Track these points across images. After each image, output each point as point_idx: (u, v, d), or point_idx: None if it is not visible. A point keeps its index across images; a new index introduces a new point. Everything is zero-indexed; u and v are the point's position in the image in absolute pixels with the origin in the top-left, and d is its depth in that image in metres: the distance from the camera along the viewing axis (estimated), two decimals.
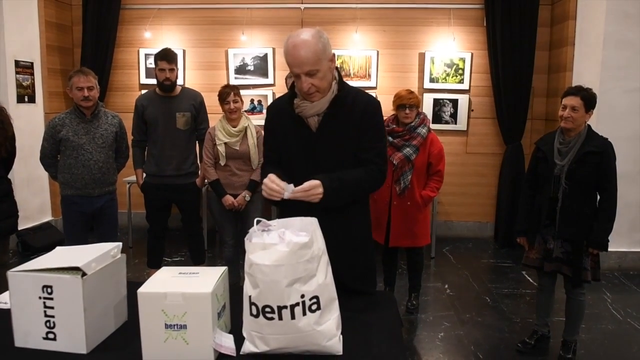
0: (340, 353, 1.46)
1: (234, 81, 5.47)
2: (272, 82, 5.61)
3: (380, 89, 5.47)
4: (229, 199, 3.58)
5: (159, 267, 3.91)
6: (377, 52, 5.44)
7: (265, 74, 5.59)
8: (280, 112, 1.96)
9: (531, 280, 4.36)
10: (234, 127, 3.57)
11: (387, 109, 5.16)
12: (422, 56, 5.42)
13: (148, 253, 4.00)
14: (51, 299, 1.45)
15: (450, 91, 5.43)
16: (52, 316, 1.46)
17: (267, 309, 1.39)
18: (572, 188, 2.80)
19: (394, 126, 3.44)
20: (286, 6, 5.51)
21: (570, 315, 3.02)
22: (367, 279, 2.03)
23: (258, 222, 1.47)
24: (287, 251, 1.37)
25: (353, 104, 1.88)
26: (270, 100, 5.55)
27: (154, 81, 5.49)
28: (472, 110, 5.49)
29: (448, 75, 5.39)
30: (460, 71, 5.39)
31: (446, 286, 4.28)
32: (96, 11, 5.54)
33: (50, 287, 1.44)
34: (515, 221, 3.25)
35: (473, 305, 3.91)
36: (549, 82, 5.41)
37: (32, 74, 5.29)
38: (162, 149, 3.70)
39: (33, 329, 1.49)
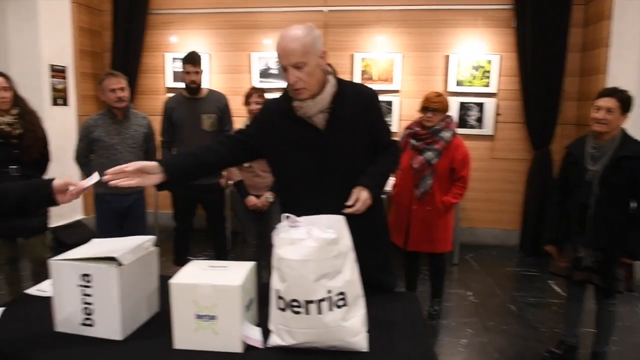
0: (366, 350, 1.48)
1: (258, 85, 5.55)
2: None
3: (404, 93, 5.48)
4: (252, 199, 3.64)
5: (183, 265, 4.01)
6: (402, 54, 5.45)
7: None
8: (278, 115, 1.94)
9: (558, 290, 4.30)
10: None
11: (410, 113, 5.26)
12: (447, 59, 5.41)
13: (174, 251, 4.09)
14: (89, 286, 1.52)
15: (476, 94, 5.40)
16: (90, 303, 1.53)
17: (295, 303, 1.43)
18: (605, 195, 2.69)
19: (417, 129, 3.43)
20: (309, 9, 5.56)
21: (601, 327, 2.95)
22: (384, 276, 2.06)
23: (286, 217, 1.51)
24: (315, 247, 1.41)
25: (355, 96, 1.92)
26: None
27: (179, 84, 5.66)
28: (500, 114, 5.43)
29: (474, 78, 5.36)
30: (487, 74, 5.35)
31: (469, 293, 4.25)
32: (125, 17, 5.69)
33: (89, 275, 1.51)
34: (543, 229, 3.17)
35: (497, 312, 3.87)
36: (580, 85, 5.29)
37: (65, 78, 5.45)
38: (188, 149, 3.77)
39: (72, 315, 1.56)
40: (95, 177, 1.69)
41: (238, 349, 1.47)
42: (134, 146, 3.48)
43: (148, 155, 3.67)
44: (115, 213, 3.55)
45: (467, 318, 3.74)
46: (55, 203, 1.60)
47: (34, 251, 3.32)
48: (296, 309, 1.43)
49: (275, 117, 1.94)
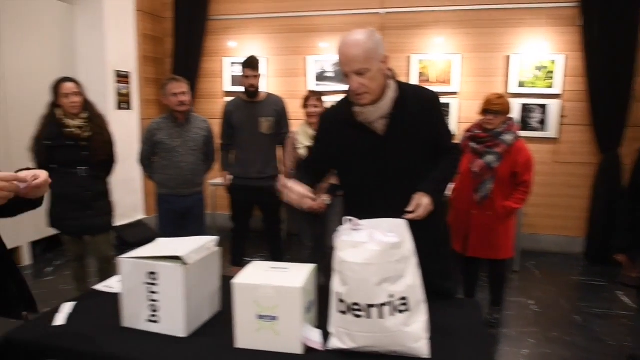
0: (427, 356, 1.45)
1: (314, 88, 5.59)
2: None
3: (462, 94, 5.36)
4: (309, 201, 3.64)
5: (241, 266, 4.07)
6: (460, 55, 5.33)
7: (344, 81, 5.64)
8: (337, 122, 1.94)
9: (627, 301, 4.07)
10: (315, 131, 3.63)
11: (469, 115, 5.13)
12: (508, 59, 5.24)
13: (231, 252, 4.17)
14: (156, 284, 1.56)
15: (539, 96, 5.20)
16: (156, 300, 1.58)
17: (356, 307, 1.41)
18: None
19: (478, 132, 3.34)
20: (366, 12, 5.54)
21: None
22: (444, 282, 2.01)
23: (348, 220, 1.50)
24: (378, 250, 1.39)
25: (416, 101, 1.88)
26: None
27: (237, 89, 5.78)
28: (564, 116, 5.21)
29: (537, 79, 5.17)
30: (550, 74, 5.15)
31: (531, 302, 4.09)
32: (186, 23, 5.86)
33: (155, 273, 1.55)
34: (612, 236, 3.01)
35: (560, 323, 3.70)
36: None
37: (129, 83, 5.68)
38: (247, 152, 3.87)
39: (138, 312, 1.61)
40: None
41: (298, 350, 1.47)
42: (194, 149, 3.57)
43: (207, 158, 3.76)
44: (176, 213, 3.66)
45: (528, 328, 3.60)
46: None
47: (99, 249, 3.47)
48: (357, 313, 1.41)
49: (335, 124, 1.94)
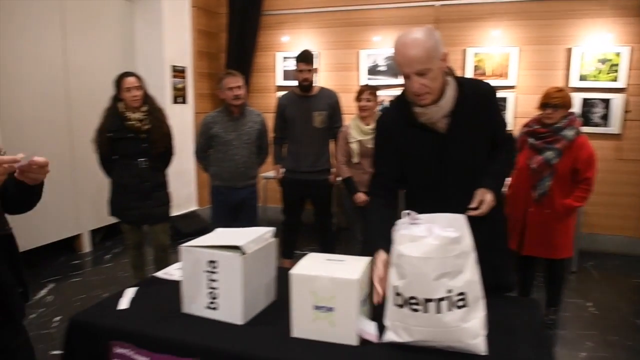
0: (485, 353, 1.43)
1: (366, 82, 5.56)
2: (403, 83, 5.58)
3: (520, 88, 5.20)
4: (360, 196, 3.65)
5: (291, 258, 4.13)
6: (518, 48, 5.17)
7: (396, 74, 5.60)
8: (396, 125, 1.89)
9: None
10: (367, 125, 3.63)
11: (527, 110, 4.97)
12: (569, 52, 5.04)
13: (282, 245, 4.22)
14: (215, 272, 1.60)
15: (602, 90, 4.98)
16: (215, 288, 1.62)
17: (413, 301, 1.40)
18: None
19: (537, 127, 3.23)
20: (420, 4, 5.45)
21: None
22: (502, 278, 1.97)
23: (407, 214, 1.49)
24: (437, 245, 1.37)
25: (474, 96, 1.84)
26: None
27: (289, 83, 5.83)
28: (629, 111, 4.96)
29: (600, 72, 4.95)
30: (614, 68, 4.91)
31: (589, 304, 3.93)
32: (240, 18, 5.95)
33: (215, 262, 1.60)
34: None
35: (620, 326, 3.55)
36: None
37: (184, 78, 5.83)
38: (300, 146, 3.90)
39: (198, 298, 1.66)
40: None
41: (353, 341, 1.47)
42: (248, 142, 3.63)
43: (261, 151, 3.82)
44: (230, 205, 3.73)
45: (586, 330, 3.47)
46: None
47: (157, 238, 3.59)
48: (414, 307, 1.40)
49: (395, 127, 1.90)
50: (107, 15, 5.22)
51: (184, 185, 5.83)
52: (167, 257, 3.68)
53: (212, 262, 1.60)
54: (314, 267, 1.53)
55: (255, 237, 1.66)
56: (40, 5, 4.41)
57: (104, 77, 5.05)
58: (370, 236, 1.74)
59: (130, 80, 3.27)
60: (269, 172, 4.96)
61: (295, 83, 3.95)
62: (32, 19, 4.33)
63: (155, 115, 3.37)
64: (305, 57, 3.79)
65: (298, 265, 1.55)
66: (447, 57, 1.76)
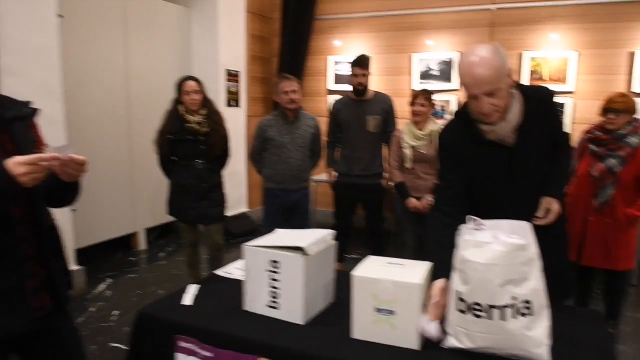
0: None
1: (419, 87, 5.54)
2: (456, 88, 5.53)
3: (579, 94, 5.04)
4: (413, 201, 3.63)
5: (342, 262, 4.15)
6: (577, 53, 5.02)
7: (449, 79, 5.54)
8: (461, 141, 1.86)
9: None
10: (421, 130, 3.61)
11: (586, 116, 4.82)
12: (632, 56, 4.85)
13: None
14: (277, 272, 1.64)
15: None
16: (277, 288, 1.66)
17: (477, 307, 1.40)
18: None
19: (599, 133, 3.13)
20: (475, 8, 5.38)
21: None
22: (562, 285, 1.93)
23: (472, 220, 1.49)
24: (503, 251, 1.36)
25: (537, 103, 1.80)
26: (453, 106, 5.48)
27: (340, 87, 5.87)
28: None
29: None
30: None
31: None
32: (293, 24, 6.04)
33: (278, 262, 1.64)
34: None
35: None
36: None
37: (238, 82, 5.96)
38: (353, 150, 3.92)
39: (260, 297, 1.70)
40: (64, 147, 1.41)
41: (415, 345, 1.48)
42: (302, 145, 3.68)
43: (314, 155, 3.86)
44: (283, 207, 3.79)
45: None
46: (16, 184, 1.28)
47: (212, 237, 3.69)
48: (478, 313, 1.40)
49: (459, 142, 1.86)
50: (166, 22, 5.41)
51: (235, 187, 5.96)
52: (221, 257, 3.78)
53: (274, 262, 1.64)
54: (376, 270, 1.54)
55: (317, 239, 1.69)
56: (105, 14, 4.63)
57: (162, 81, 5.25)
58: (430, 259, 1.69)
59: (191, 85, 3.39)
60: (321, 176, 5.00)
61: (350, 87, 3.98)
62: (97, 26, 4.55)
63: (214, 118, 3.47)
64: (360, 62, 3.82)
65: (359, 267, 1.57)
66: (512, 72, 1.73)
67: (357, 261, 2.19)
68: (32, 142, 1.47)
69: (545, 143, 1.83)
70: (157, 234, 5.56)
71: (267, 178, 3.79)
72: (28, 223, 1.44)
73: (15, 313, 1.41)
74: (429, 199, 3.60)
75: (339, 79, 6.02)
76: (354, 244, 5.23)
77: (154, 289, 4.15)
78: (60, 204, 1.58)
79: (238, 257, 4.84)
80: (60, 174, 1.37)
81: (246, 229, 5.79)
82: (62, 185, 1.43)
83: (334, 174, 4.12)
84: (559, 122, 1.96)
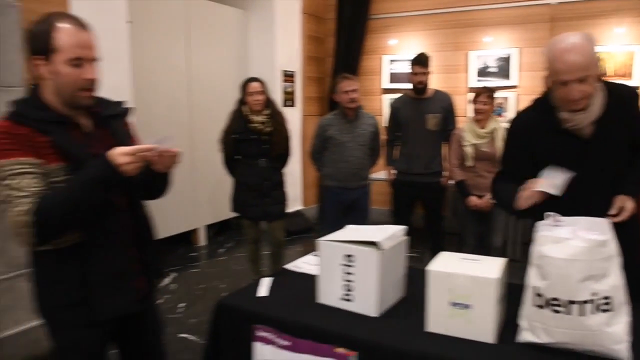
0: None
1: (475, 84, 5.49)
2: (515, 84, 5.43)
3: None
4: (473, 199, 3.62)
5: None
6: None
7: (507, 76, 5.45)
8: (535, 128, 1.86)
9: None
10: (482, 128, 3.59)
11: None
12: None
13: None
14: (351, 266, 1.70)
15: None
16: (351, 281, 1.71)
17: (555, 302, 1.40)
18: None
19: None
20: (535, 3, 5.27)
21: None
22: (634, 287, 1.89)
23: (549, 216, 1.50)
24: (584, 247, 1.37)
25: (620, 100, 1.79)
26: (512, 103, 5.39)
27: (395, 85, 5.87)
28: None
29: None
30: None
31: None
32: (348, 23, 6.09)
33: (352, 256, 1.69)
34: None
35: None
36: None
37: (293, 82, 6.07)
38: (412, 148, 3.94)
39: (333, 290, 1.76)
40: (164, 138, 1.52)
41: (490, 339, 1.50)
42: (362, 144, 3.73)
43: (373, 153, 3.90)
44: (342, 205, 3.85)
45: None
46: (119, 173, 1.39)
47: (274, 234, 3.79)
48: (556, 308, 1.40)
49: (533, 130, 1.88)
50: (225, 25, 5.58)
51: (291, 185, 6.02)
52: (282, 253, 3.88)
53: (349, 256, 1.70)
54: (451, 265, 1.57)
55: (390, 234, 1.73)
56: (169, 18, 4.84)
57: (221, 82, 5.43)
58: (504, 195, 1.83)
59: (254, 85, 3.50)
60: (376, 174, 5.03)
61: (409, 85, 3.99)
62: (162, 31, 4.76)
63: (276, 118, 3.57)
64: (420, 60, 3.83)
65: (434, 262, 1.61)
66: (599, 61, 1.74)
67: (415, 259, 2.23)
68: (128, 137, 1.60)
69: (623, 140, 1.81)
70: (215, 230, 5.74)
71: (326, 176, 3.86)
72: (127, 212, 1.57)
73: (123, 294, 1.55)
74: (489, 197, 3.57)
75: (394, 78, 6.03)
76: (412, 242, 5.23)
77: (216, 283, 4.30)
78: (152, 195, 1.71)
79: (295, 253, 4.96)
80: (156, 164, 1.49)
81: (301, 227, 5.89)
82: (156, 176, 1.55)
83: (393, 172, 4.14)
84: (639, 122, 1.91)
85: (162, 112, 4.80)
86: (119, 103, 1.67)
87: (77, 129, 1.50)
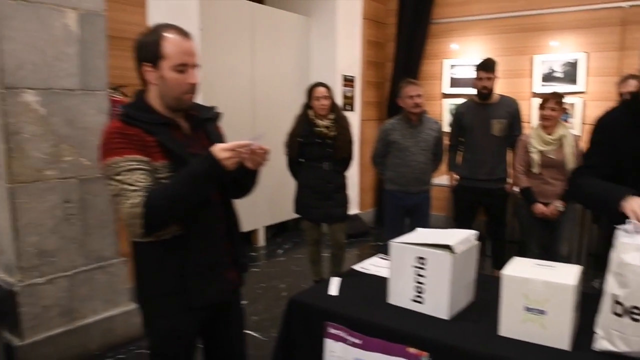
0: None
1: (540, 89, 5.37)
2: (582, 90, 5.27)
3: None
4: (540, 207, 3.55)
5: None
6: None
7: (573, 81, 5.30)
8: (623, 127, 1.84)
9: None
10: (550, 134, 3.52)
11: None
12: None
13: None
14: (423, 268, 1.74)
15: None
16: (422, 283, 1.75)
17: (636, 310, 1.39)
18: None
19: None
20: (605, 6, 5.10)
21: None
22: None
23: (630, 223, 1.48)
24: None
25: None
26: (579, 109, 5.24)
27: (456, 90, 5.83)
28: None
29: None
30: None
31: None
32: (408, 28, 6.10)
33: (424, 259, 1.73)
34: None
35: None
36: None
37: (353, 87, 6.14)
38: (476, 153, 3.91)
39: (404, 291, 1.80)
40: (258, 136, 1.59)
41: (565, 346, 1.50)
42: (425, 148, 3.74)
43: (436, 158, 3.90)
44: (403, 209, 3.87)
45: None
46: (222, 167, 1.49)
47: (335, 236, 3.86)
48: (636, 317, 1.39)
49: (621, 128, 1.86)
50: (288, 31, 5.72)
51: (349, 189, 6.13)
52: (342, 255, 3.94)
53: (421, 258, 1.74)
54: (526, 270, 1.58)
55: (462, 238, 1.76)
56: (236, 25, 5.02)
57: (283, 86, 5.58)
58: (600, 190, 1.77)
59: (321, 90, 3.59)
60: (438, 179, 5.01)
61: (470, 90, 3.98)
62: (229, 37, 4.94)
63: (341, 123, 3.65)
64: (485, 65, 3.80)
65: (509, 266, 1.62)
66: None
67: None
68: (220, 139, 1.72)
69: None
70: (273, 231, 5.87)
71: (388, 180, 3.89)
72: (221, 207, 1.70)
73: (217, 283, 1.67)
74: (556, 204, 3.50)
75: (454, 82, 5.99)
76: None
77: (276, 283, 4.41)
78: (241, 193, 1.83)
79: (353, 256, 5.00)
80: (248, 161, 1.59)
81: (358, 230, 5.94)
82: (246, 173, 1.66)
83: (455, 177, 4.12)
84: None
85: (227, 115, 4.94)
86: (212, 108, 1.80)
87: (178, 130, 1.63)
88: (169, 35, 1.55)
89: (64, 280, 2.97)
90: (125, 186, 1.46)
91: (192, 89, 1.60)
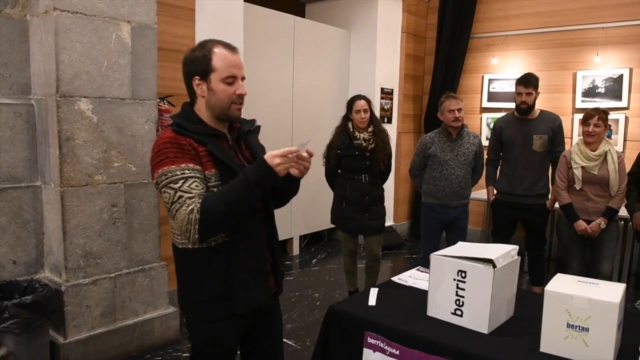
0: None
1: (580, 105, 5.29)
2: (625, 106, 5.16)
3: None
4: (581, 224, 3.49)
5: None
6: None
7: (618, 97, 5.19)
8: None
9: None
10: (593, 150, 3.46)
11: None
12: None
13: None
14: (464, 282, 1.75)
15: None
16: (462, 296, 1.76)
17: None
18: None
19: None
20: None
21: None
22: None
23: None
24: None
25: None
26: (622, 126, 5.13)
27: (494, 104, 5.79)
28: None
29: None
30: None
31: None
32: (448, 42, 6.09)
33: (465, 272, 1.74)
34: None
35: None
36: None
37: (392, 99, 6.16)
38: (516, 168, 3.87)
39: (444, 304, 1.82)
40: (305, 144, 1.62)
41: None
42: (464, 162, 3.73)
43: (476, 172, 3.88)
44: (441, 223, 3.85)
45: None
46: (274, 173, 1.54)
47: (371, 248, 3.87)
48: None
49: None
50: (329, 44, 5.80)
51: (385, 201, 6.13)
52: (378, 267, 3.95)
53: (462, 271, 1.75)
54: (569, 287, 1.58)
55: (504, 252, 1.76)
56: (278, 37, 5.13)
57: (322, 98, 5.65)
58: None
59: (361, 103, 3.63)
60: (475, 193, 4.98)
61: (508, 105, 3.95)
62: (271, 49, 5.05)
63: (380, 136, 3.67)
64: (524, 80, 3.78)
65: (552, 282, 1.62)
66: None
67: None
68: (261, 151, 1.78)
69: None
70: (307, 241, 5.92)
71: (426, 193, 3.88)
72: (263, 215, 1.74)
73: (259, 290, 1.71)
74: (599, 222, 3.43)
75: (492, 97, 5.95)
76: None
77: (310, 292, 4.45)
78: (281, 201, 1.88)
79: (387, 268, 4.99)
80: (294, 168, 1.62)
81: (392, 242, 5.93)
82: (289, 181, 1.69)
83: (494, 192, 4.09)
84: None
85: (266, 127, 5.05)
86: (253, 121, 1.86)
87: (225, 141, 1.70)
88: (217, 50, 1.61)
89: (107, 282, 3.08)
90: (181, 193, 1.52)
91: (240, 99, 1.67)
